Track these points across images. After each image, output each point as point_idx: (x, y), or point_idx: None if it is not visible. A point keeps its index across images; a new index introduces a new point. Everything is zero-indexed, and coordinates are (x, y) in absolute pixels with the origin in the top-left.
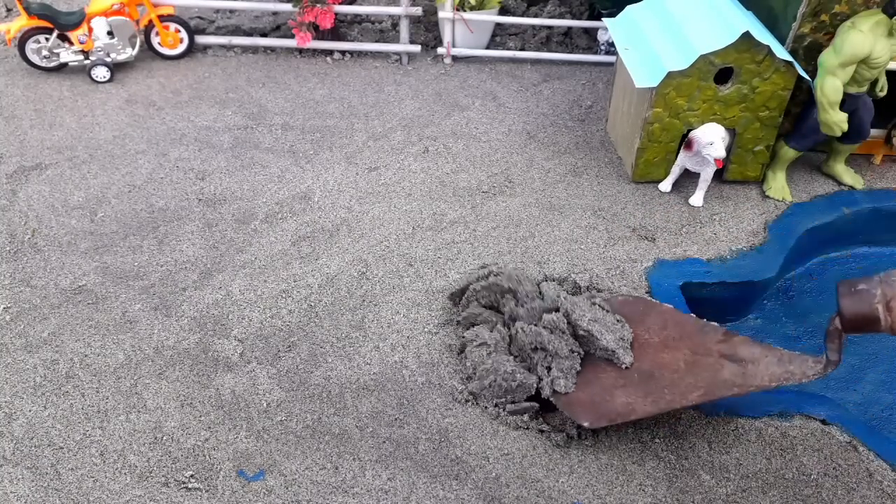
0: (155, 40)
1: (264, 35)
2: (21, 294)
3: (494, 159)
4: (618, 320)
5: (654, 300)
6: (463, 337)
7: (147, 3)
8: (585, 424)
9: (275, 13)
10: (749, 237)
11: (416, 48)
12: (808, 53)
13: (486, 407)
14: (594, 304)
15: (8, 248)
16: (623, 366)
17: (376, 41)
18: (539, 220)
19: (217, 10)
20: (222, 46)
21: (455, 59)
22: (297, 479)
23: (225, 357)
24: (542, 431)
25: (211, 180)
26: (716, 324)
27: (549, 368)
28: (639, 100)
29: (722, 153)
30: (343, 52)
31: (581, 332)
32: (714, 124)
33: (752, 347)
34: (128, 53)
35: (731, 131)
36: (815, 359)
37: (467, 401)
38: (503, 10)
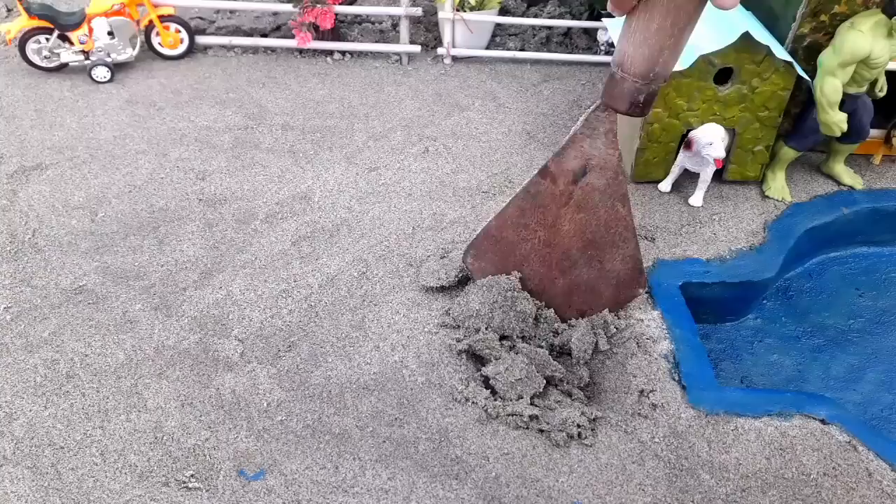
0: (155, 40)
1: (264, 35)
2: (22, 294)
3: (494, 159)
4: None
5: (477, 237)
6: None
7: (147, 3)
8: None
9: (275, 13)
10: (749, 237)
11: (417, 48)
12: (808, 54)
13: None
14: None
15: (8, 248)
16: None
17: (376, 41)
18: None
19: (217, 11)
20: (223, 47)
21: (455, 59)
22: (298, 479)
23: (225, 357)
24: (541, 431)
25: (211, 180)
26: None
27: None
28: None
29: (721, 153)
30: (343, 53)
31: None
32: (714, 124)
33: (570, 154)
34: (128, 54)
35: (731, 131)
36: (591, 116)
37: (467, 399)
38: (503, 11)
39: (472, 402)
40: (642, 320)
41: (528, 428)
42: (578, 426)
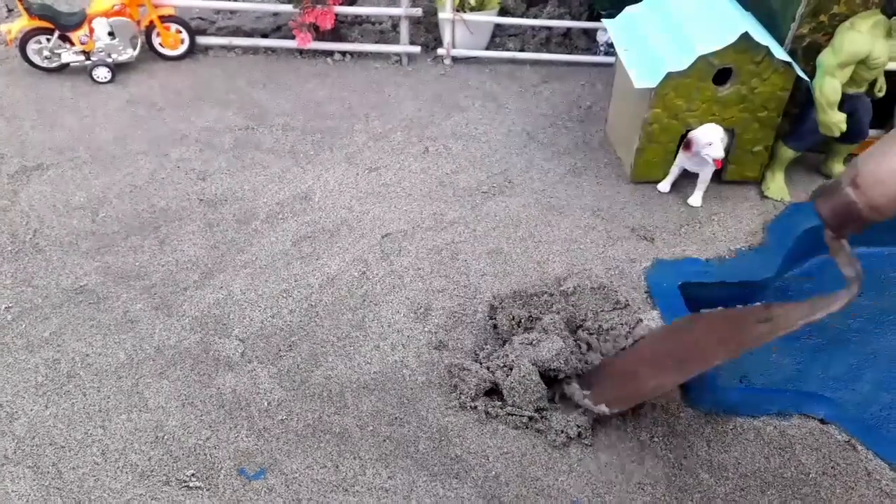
0: (156, 41)
1: (265, 36)
2: (23, 294)
3: (494, 160)
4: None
5: (702, 313)
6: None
7: (148, 3)
8: (611, 411)
9: (275, 14)
10: (748, 237)
11: (417, 49)
12: (807, 54)
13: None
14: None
15: (10, 248)
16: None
17: (377, 42)
18: (538, 220)
19: (218, 11)
20: (223, 47)
21: (455, 59)
22: (298, 478)
23: (226, 356)
24: (540, 431)
25: (212, 181)
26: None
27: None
28: (638, 100)
29: (721, 154)
30: (343, 53)
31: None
32: (713, 125)
33: (785, 305)
34: (129, 54)
35: (730, 132)
36: (838, 292)
37: (469, 403)
38: (503, 11)
39: (472, 407)
40: (641, 320)
41: (527, 427)
42: (578, 425)
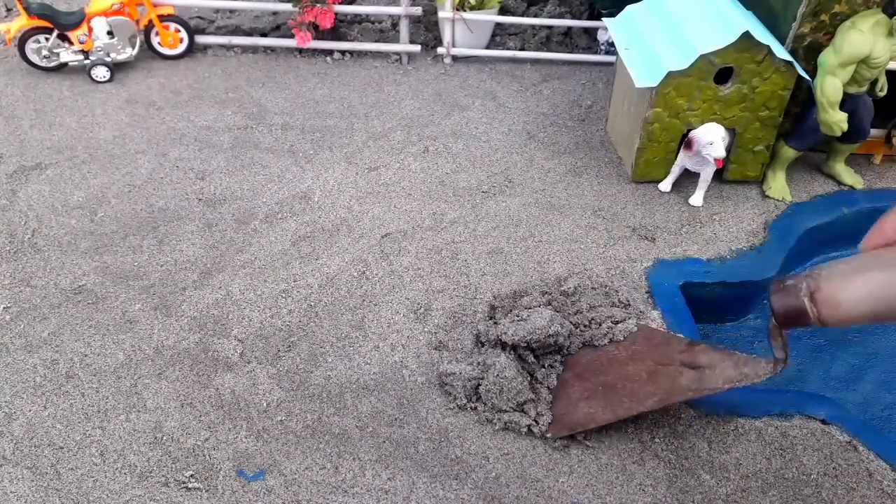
0: (155, 40)
1: (264, 35)
2: (21, 294)
3: (494, 159)
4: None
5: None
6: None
7: (147, 2)
8: (548, 435)
9: (275, 13)
10: (749, 237)
11: (416, 48)
12: (808, 53)
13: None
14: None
15: (8, 248)
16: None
17: (376, 41)
18: (539, 220)
19: (217, 10)
20: (222, 46)
21: (455, 58)
22: (297, 479)
23: (225, 357)
24: (531, 431)
25: (211, 180)
26: (681, 335)
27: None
28: (639, 100)
29: (722, 153)
30: (343, 52)
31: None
32: (714, 124)
33: (711, 354)
34: (128, 53)
35: (731, 131)
36: (766, 360)
37: (467, 405)
38: (503, 10)
39: (471, 409)
40: (627, 319)
41: (507, 430)
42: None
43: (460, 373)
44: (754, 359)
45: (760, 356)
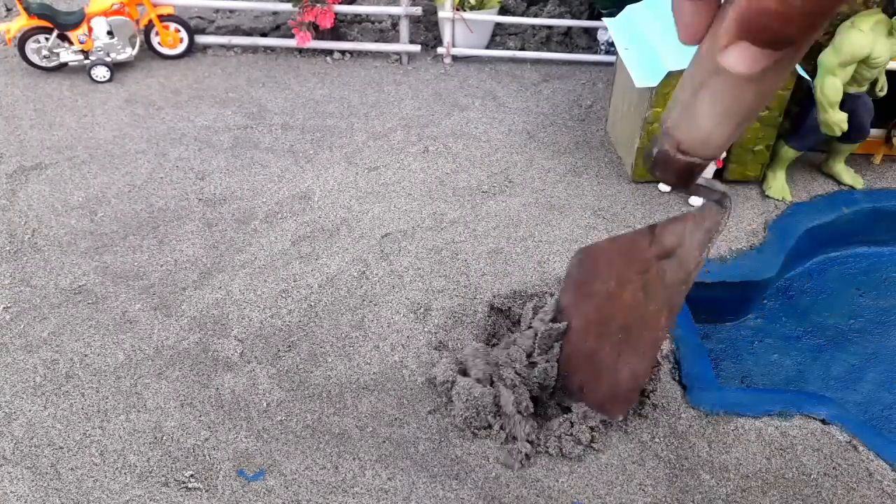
0: (155, 40)
1: (264, 35)
2: (21, 294)
3: (494, 159)
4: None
5: (589, 245)
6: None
7: (147, 2)
8: (619, 420)
9: (275, 13)
10: (749, 237)
11: (416, 48)
12: (808, 53)
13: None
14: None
15: (8, 248)
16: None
17: (376, 41)
18: (539, 220)
19: (217, 10)
20: (222, 46)
21: (455, 58)
22: (297, 479)
23: (225, 357)
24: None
25: (211, 180)
26: (641, 227)
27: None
28: (639, 99)
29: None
30: (343, 52)
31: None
32: None
33: (671, 228)
34: (128, 53)
35: None
36: (710, 206)
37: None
38: (503, 10)
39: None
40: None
41: (477, 437)
42: (579, 432)
43: (439, 376)
44: (703, 212)
45: (704, 205)
